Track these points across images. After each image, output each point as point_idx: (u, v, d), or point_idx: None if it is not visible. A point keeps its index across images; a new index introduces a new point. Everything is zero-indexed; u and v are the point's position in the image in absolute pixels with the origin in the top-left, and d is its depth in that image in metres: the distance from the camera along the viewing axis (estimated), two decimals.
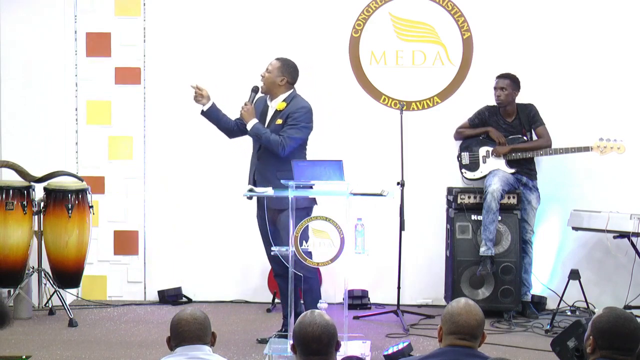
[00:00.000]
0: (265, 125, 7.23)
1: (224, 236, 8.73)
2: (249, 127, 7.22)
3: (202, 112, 7.37)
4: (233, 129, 7.43)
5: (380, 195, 6.85)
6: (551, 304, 8.34)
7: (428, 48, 8.71)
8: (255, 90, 7.32)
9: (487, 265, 8.05)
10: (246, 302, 8.72)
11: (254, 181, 7.23)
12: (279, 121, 7.19)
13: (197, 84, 7.34)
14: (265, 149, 7.19)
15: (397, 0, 8.67)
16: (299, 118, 7.18)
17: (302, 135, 7.20)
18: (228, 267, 8.76)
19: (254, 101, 7.30)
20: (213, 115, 7.37)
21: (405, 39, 8.71)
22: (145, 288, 8.87)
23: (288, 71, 7.29)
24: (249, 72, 8.54)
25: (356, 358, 4.31)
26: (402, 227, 7.92)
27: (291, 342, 4.12)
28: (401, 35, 8.72)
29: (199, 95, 7.33)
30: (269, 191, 6.99)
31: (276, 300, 8.36)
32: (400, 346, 6.46)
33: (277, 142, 7.11)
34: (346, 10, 8.70)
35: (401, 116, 8.10)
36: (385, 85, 8.73)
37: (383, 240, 8.31)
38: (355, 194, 6.82)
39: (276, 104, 7.27)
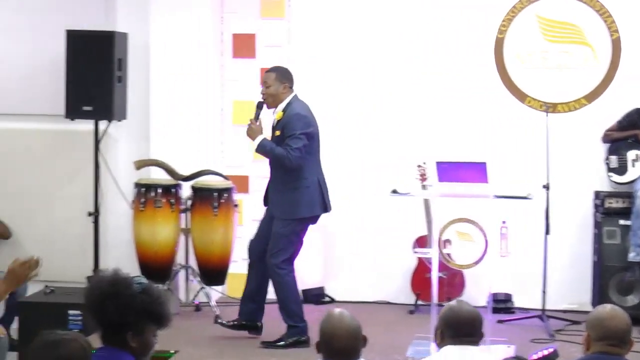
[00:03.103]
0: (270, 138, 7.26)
1: (367, 237, 8.73)
2: (254, 146, 7.21)
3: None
4: None
5: (526, 198, 6.78)
6: None
7: (575, 49, 8.56)
8: (260, 106, 7.30)
9: (636, 272, 7.87)
10: (388, 303, 8.71)
11: (267, 190, 7.38)
12: (278, 132, 7.20)
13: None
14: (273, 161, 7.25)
15: (543, 1, 8.54)
16: (293, 127, 7.14)
17: (302, 143, 7.14)
18: (370, 267, 8.76)
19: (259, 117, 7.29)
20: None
21: (551, 39, 8.58)
22: None
23: (285, 77, 7.30)
24: (394, 72, 8.59)
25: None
26: (547, 231, 7.80)
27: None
28: (547, 36, 8.58)
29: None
30: (412, 192, 7.00)
31: (419, 302, 8.33)
32: (546, 352, 6.35)
33: (283, 156, 7.10)
34: (491, 11, 8.61)
35: (546, 118, 7.97)
36: (530, 87, 8.61)
37: (527, 243, 8.20)
38: (499, 197, 6.77)
39: (276, 114, 7.27)
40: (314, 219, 7.35)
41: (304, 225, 7.30)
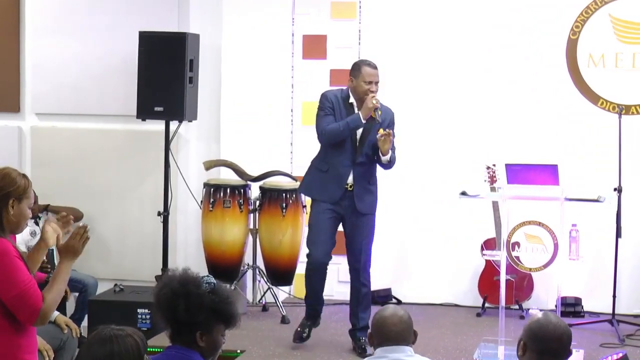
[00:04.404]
0: (360, 136, 6.88)
1: (434, 238, 8.69)
2: (388, 157, 6.77)
3: (360, 122, 6.83)
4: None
5: (597, 201, 6.71)
6: None
7: None
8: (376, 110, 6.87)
9: None
10: (456, 305, 8.67)
11: (346, 186, 6.93)
12: (382, 130, 6.78)
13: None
14: (366, 157, 6.91)
15: (617, 1, 8.44)
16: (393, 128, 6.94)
17: None
18: (438, 269, 8.72)
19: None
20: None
21: (625, 40, 8.47)
22: None
23: None
24: (464, 73, 8.54)
25: None
26: (618, 234, 7.70)
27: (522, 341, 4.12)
28: (621, 37, 8.48)
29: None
30: (481, 194, 6.95)
31: (486, 305, 8.27)
32: (616, 356, 6.29)
33: (395, 159, 6.90)
34: (564, 11, 8.52)
35: (619, 120, 7.86)
36: (603, 89, 8.50)
37: (598, 247, 8.10)
38: (570, 199, 6.71)
39: (377, 113, 6.83)
40: None
41: None
